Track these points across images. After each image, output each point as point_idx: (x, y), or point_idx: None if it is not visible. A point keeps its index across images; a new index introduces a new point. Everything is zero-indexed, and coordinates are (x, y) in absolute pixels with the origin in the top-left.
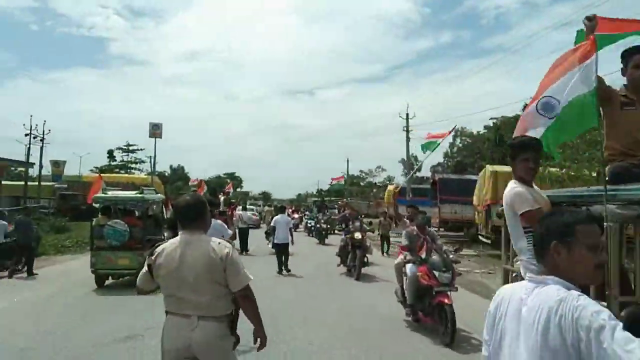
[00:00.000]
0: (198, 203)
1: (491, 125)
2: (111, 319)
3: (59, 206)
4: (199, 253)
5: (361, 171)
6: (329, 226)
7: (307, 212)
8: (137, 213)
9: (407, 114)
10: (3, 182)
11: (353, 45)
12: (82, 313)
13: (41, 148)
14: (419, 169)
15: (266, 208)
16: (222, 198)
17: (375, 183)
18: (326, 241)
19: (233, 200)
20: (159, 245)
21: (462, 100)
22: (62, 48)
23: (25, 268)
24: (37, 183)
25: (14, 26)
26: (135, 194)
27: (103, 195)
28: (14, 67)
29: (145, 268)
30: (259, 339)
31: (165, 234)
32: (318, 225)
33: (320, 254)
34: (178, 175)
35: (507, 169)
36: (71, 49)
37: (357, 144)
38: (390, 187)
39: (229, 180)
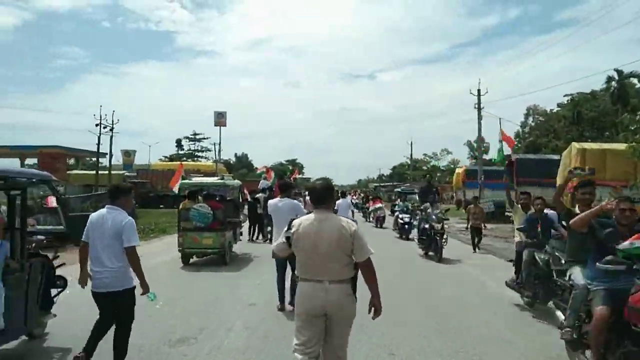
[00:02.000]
0: (329, 188)
1: (565, 103)
2: (168, 315)
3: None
4: (332, 228)
5: (425, 154)
6: (441, 226)
7: (397, 201)
8: (217, 197)
9: (479, 90)
10: (75, 172)
11: (413, 25)
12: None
13: (111, 137)
14: (486, 151)
15: None
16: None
17: (440, 167)
18: (444, 253)
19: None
20: (293, 220)
21: (532, 77)
22: (132, 43)
23: None
24: (115, 172)
25: (89, 24)
26: (217, 179)
27: (189, 181)
28: (88, 63)
29: (282, 239)
30: (373, 309)
31: (241, 217)
32: (425, 226)
33: (449, 292)
34: (242, 163)
35: (597, 146)
36: (141, 43)
37: (420, 127)
38: (459, 170)
39: (291, 167)
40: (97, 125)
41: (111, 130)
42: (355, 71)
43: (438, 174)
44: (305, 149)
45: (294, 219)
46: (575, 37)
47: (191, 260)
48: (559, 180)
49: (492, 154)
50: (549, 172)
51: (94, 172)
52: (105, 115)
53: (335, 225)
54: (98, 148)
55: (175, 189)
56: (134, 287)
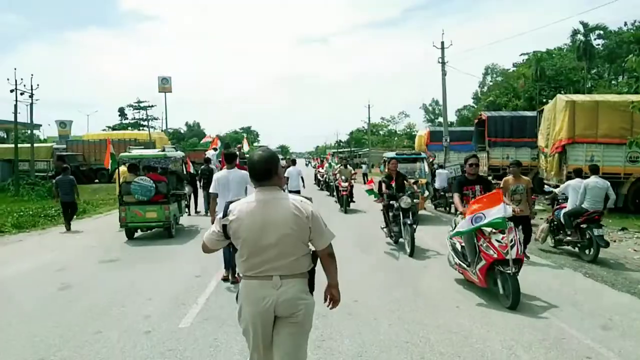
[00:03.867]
0: (273, 158)
1: (522, 62)
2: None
3: (56, 168)
4: (282, 212)
5: (382, 118)
6: None
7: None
8: (158, 170)
9: (442, 43)
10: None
11: None
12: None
13: (30, 105)
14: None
15: (283, 163)
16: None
17: (396, 131)
18: None
19: (247, 156)
20: (230, 204)
21: (486, 38)
22: (72, 8)
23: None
24: (42, 144)
25: None
26: (158, 151)
27: (129, 154)
28: (25, 30)
29: (216, 228)
30: (329, 299)
31: (187, 189)
32: None
33: None
34: (194, 132)
35: (588, 97)
36: (81, 8)
37: (375, 92)
38: (422, 133)
39: (245, 135)
40: (11, 91)
41: (30, 97)
42: (308, 36)
43: (395, 139)
44: (261, 117)
45: (230, 202)
46: None
47: (136, 235)
48: (540, 140)
49: (449, 116)
50: (523, 131)
51: (24, 145)
52: (22, 79)
53: (285, 207)
54: (15, 117)
55: (109, 166)
56: None
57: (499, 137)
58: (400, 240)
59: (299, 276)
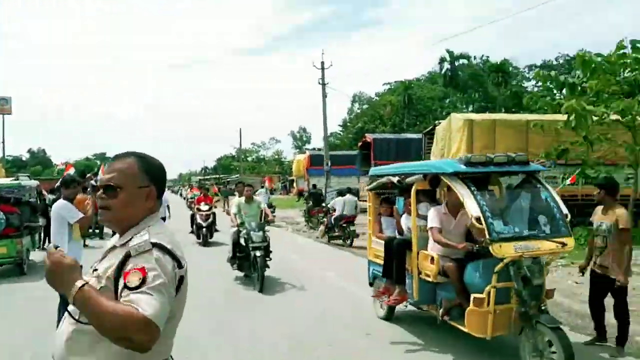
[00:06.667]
0: None
1: (384, 91)
2: None
3: None
4: None
5: (253, 144)
6: None
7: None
8: (11, 200)
9: (322, 63)
10: None
11: (233, 16)
12: None
13: None
14: (308, 141)
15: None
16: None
17: (264, 157)
18: None
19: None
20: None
21: (347, 70)
22: None
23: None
24: None
25: None
26: (12, 180)
27: None
28: None
29: (165, 293)
30: None
31: (41, 221)
32: None
33: None
34: (38, 160)
35: (485, 116)
36: None
37: (244, 120)
38: (301, 157)
39: (99, 162)
40: None
41: None
42: (174, 60)
43: (264, 165)
44: (115, 143)
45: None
46: (383, 34)
47: None
48: (433, 158)
49: (315, 143)
50: (408, 153)
51: None
52: None
53: None
54: None
55: None
56: None
57: (385, 160)
58: None
59: None
